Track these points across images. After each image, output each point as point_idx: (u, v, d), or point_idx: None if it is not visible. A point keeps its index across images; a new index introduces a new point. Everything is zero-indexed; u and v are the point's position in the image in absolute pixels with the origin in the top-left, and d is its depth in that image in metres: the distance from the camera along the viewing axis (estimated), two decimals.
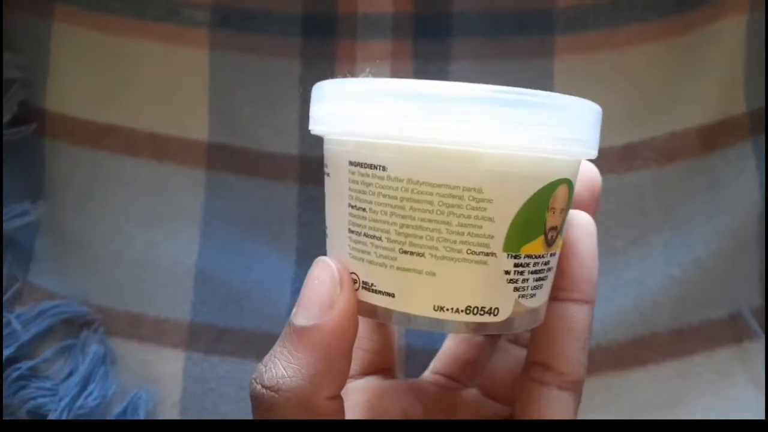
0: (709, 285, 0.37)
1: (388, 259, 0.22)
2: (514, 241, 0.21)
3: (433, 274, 0.21)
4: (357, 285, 0.23)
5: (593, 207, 0.26)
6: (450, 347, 0.31)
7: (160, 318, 0.38)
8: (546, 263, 0.23)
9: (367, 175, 0.22)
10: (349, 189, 0.22)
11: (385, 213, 0.21)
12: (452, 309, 0.22)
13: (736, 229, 0.37)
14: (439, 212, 0.21)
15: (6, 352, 0.36)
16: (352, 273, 0.23)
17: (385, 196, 0.21)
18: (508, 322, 0.22)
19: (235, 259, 0.39)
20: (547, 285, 0.23)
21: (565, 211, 0.23)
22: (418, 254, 0.21)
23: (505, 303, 0.22)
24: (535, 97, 0.21)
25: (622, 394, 0.37)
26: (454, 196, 0.21)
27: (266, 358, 0.23)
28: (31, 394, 0.36)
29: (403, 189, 0.21)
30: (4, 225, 0.38)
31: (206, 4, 0.39)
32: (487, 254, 0.21)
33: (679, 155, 0.38)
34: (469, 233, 0.21)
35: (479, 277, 0.21)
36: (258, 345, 0.38)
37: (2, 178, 0.37)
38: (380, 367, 0.30)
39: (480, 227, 0.21)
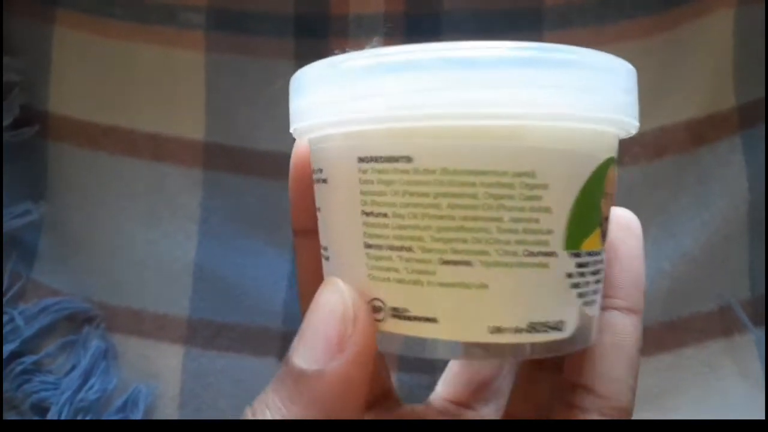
0: (699, 278, 0.38)
1: (425, 274, 0.17)
2: (575, 236, 0.18)
3: (484, 286, 0.17)
4: (382, 314, 0.18)
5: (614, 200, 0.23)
6: (457, 368, 0.26)
7: (160, 314, 0.39)
8: (602, 261, 0.19)
9: (386, 171, 0.17)
10: (361, 193, 0.18)
11: (415, 216, 0.17)
12: (512, 329, 0.17)
13: (725, 222, 0.38)
14: (486, 207, 0.17)
15: (10, 347, 0.37)
16: (374, 299, 0.18)
17: (413, 194, 0.17)
18: (574, 337, 0.18)
19: (233, 256, 0.40)
20: (602, 289, 0.20)
21: (612, 199, 0.19)
22: (464, 263, 0.17)
23: (569, 313, 0.18)
24: (582, 55, 0.17)
25: None
26: (503, 185, 0.17)
27: (256, 401, 0.18)
28: (34, 388, 0.37)
29: (436, 182, 0.17)
30: (8, 224, 0.39)
31: (201, 7, 0.40)
32: (547, 254, 0.17)
33: (668, 150, 0.38)
34: (524, 230, 0.17)
35: (540, 283, 0.17)
36: (255, 340, 0.39)
37: (2, 178, 0.39)
38: (379, 393, 0.25)
39: (537, 221, 0.17)
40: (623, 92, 0.18)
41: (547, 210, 0.17)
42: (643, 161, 0.38)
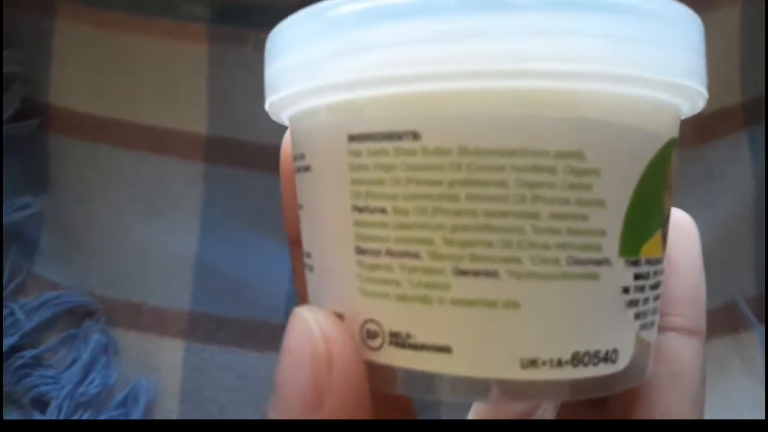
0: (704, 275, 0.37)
1: (436, 289, 0.13)
2: (634, 239, 0.14)
3: (515, 305, 0.13)
4: (379, 340, 0.14)
5: None
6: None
7: (161, 308, 0.39)
8: (662, 272, 0.15)
9: (385, 153, 0.13)
10: (352, 182, 0.14)
11: (424, 211, 0.13)
12: (551, 361, 0.13)
13: (731, 219, 0.37)
14: (518, 198, 0.13)
15: (10, 341, 0.37)
16: (368, 321, 0.14)
17: (420, 182, 0.13)
18: (628, 371, 0.14)
19: (234, 250, 0.40)
20: (660, 307, 0.16)
21: (673, 194, 0.16)
22: (488, 274, 0.13)
23: (624, 340, 0.14)
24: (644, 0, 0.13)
25: None
26: (540, 169, 0.13)
27: None
28: (35, 382, 0.37)
29: (452, 166, 0.13)
30: (8, 217, 0.39)
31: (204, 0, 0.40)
32: (599, 262, 0.13)
33: None
34: (569, 230, 0.13)
35: (589, 301, 0.13)
36: (257, 334, 0.39)
37: (2, 171, 0.38)
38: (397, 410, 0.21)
39: (585, 218, 0.13)
40: (693, 52, 0.14)
41: (599, 203, 0.13)
42: None
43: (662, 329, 0.17)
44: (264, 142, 0.39)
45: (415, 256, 0.13)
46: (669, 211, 0.15)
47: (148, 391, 0.38)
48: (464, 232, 0.13)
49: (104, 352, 0.38)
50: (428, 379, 0.14)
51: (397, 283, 0.14)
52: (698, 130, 0.38)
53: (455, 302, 0.13)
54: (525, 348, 0.13)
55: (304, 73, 0.14)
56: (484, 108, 0.13)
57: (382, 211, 0.14)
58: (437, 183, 0.13)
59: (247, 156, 0.40)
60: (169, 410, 0.38)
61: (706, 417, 0.36)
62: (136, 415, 0.37)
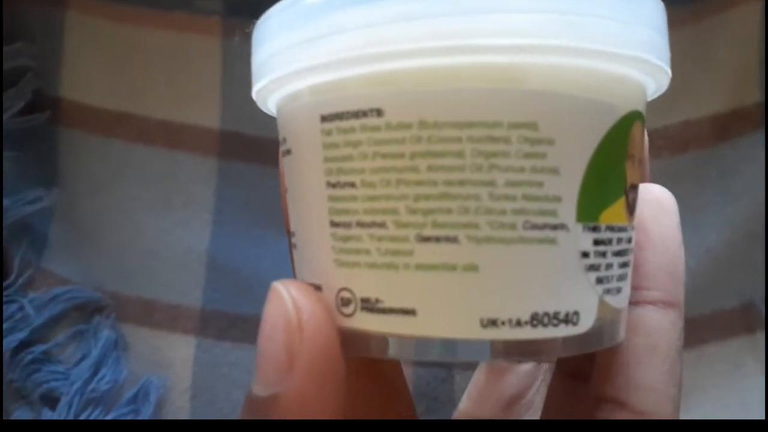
0: (721, 275, 0.37)
1: (401, 255, 0.14)
2: (592, 206, 0.14)
3: (474, 267, 0.14)
4: (352, 307, 0.15)
5: (645, 174, 0.20)
6: (484, 380, 0.23)
7: (172, 304, 0.39)
8: (629, 240, 0.16)
9: (353, 130, 0.14)
10: (325, 159, 0.15)
11: (389, 183, 0.14)
12: (510, 321, 0.14)
13: (748, 218, 0.37)
14: (474, 167, 0.14)
15: (19, 336, 0.36)
16: (342, 290, 0.15)
17: (385, 156, 0.14)
18: (592, 334, 0.15)
19: (247, 246, 0.39)
20: (630, 276, 0.16)
21: (642, 164, 0.16)
22: (449, 239, 0.14)
23: (586, 303, 0.14)
24: None
25: None
26: (495, 139, 0.13)
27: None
28: (44, 378, 0.36)
29: (413, 139, 0.14)
30: (18, 211, 0.38)
31: None
32: (555, 227, 0.14)
33: (691, 144, 0.38)
34: (524, 196, 0.14)
35: (547, 264, 0.14)
36: None
37: (2, 165, 0.38)
38: (398, 409, 0.22)
39: (540, 185, 0.14)
40: (652, 29, 0.15)
41: (553, 171, 0.14)
42: (666, 155, 0.38)
43: (640, 302, 0.17)
44: (277, 138, 0.39)
45: (382, 225, 0.14)
46: (636, 181, 0.16)
47: (158, 387, 0.37)
48: (426, 201, 0.14)
49: (114, 348, 0.38)
50: (397, 341, 0.14)
51: (367, 252, 0.14)
52: (717, 129, 0.38)
53: (419, 267, 0.14)
54: (484, 309, 0.14)
55: (279, 61, 0.15)
56: (441, 84, 0.14)
57: (352, 185, 0.14)
58: (400, 156, 0.14)
59: (260, 151, 0.39)
60: (180, 407, 0.38)
61: (722, 417, 0.36)
62: (147, 411, 0.37)
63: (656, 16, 0.15)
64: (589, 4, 0.14)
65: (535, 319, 0.14)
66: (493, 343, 0.14)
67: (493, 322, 0.14)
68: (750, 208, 0.37)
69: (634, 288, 0.17)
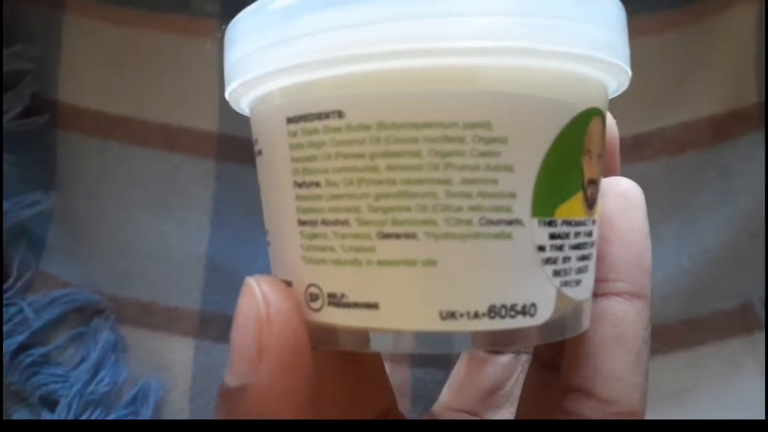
0: (719, 275, 0.37)
1: (364, 252, 0.15)
2: (547, 201, 0.15)
3: (432, 262, 0.14)
4: (319, 302, 0.15)
5: (614, 167, 0.20)
6: (464, 372, 0.24)
7: (171, 306, 0.39)
8: (589, 234, 0.16)
9: (317, 131, 0.15)
10: (292, 159, 0.15)
11: (350, 182, 0.15)
12: (468, 313, 0.14)
13: (746, 219, 0.37)
14: (431, 166, 0.14)
15: (18, 339, 0.36)
16: (310, 286, 0.16)
17: (347, 156, 0.15)
18: (551, 325, 0.15)
19: (245, 248, 0.39)
20: (592, 268, 0.17)
21: (602, 160, 0.17)
22: (408, 236, 0.14)
23: (543, 295, 0.15)
24: None
25: None
26: (450, 139, 0.14)
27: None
28: (43, 380, 0.36)
29: (372, 140, 0.14)
30: (17, 214, 0.38)
31: None
32: (511, 222, 0.14)
33: (689, 145, 0.38)
34: (480, 193, 0.14)
35: (503, 258, 0.15)
36: None
37: (2, 168, 0.38)
38: (378, 411, 0.22)
39: (495, 182, 0.14)
40: (608, 29, 0.15)
41: (507, 169, 0.14)
42: (664, 156, 0.38)
43: (606, 294, 0.17)
44: None
45: (345, 223, 0.15)
46: (595, 176, 0.16)
47: (157, 389, 0.38)
48: (386, 200, 0.14)
49: (113, 351, 0.38)
50: (361, 334, 0.15)
51: (332, 249, 0.15)
52: (715, 130, 0.38)
53: (381, 263, 0.15)
54: (443, 302, 0.14)
55: (249, 64, 0.16)
56: (398, 86, 0.14)
57: (317, 184, 0.15)
58: (361, 156, 0.14)
59: None
60: (179, 409, 0.38)
61: (719, 417, 0.36)
62: (146, 413, 0.37)
63: (613, 15, 0.16)
64: (545, 5, 0.14)
65: (493, 311, 0.15)
66: (452, 335, 0.15)
67: (452, 315, 0.14)
68: (749, 209, 0.37)
69: (601, 280, 0.17)
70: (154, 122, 0.40)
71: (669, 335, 0.37)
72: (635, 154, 0.38)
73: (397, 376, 0.37)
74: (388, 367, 0.32)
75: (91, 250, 0.39)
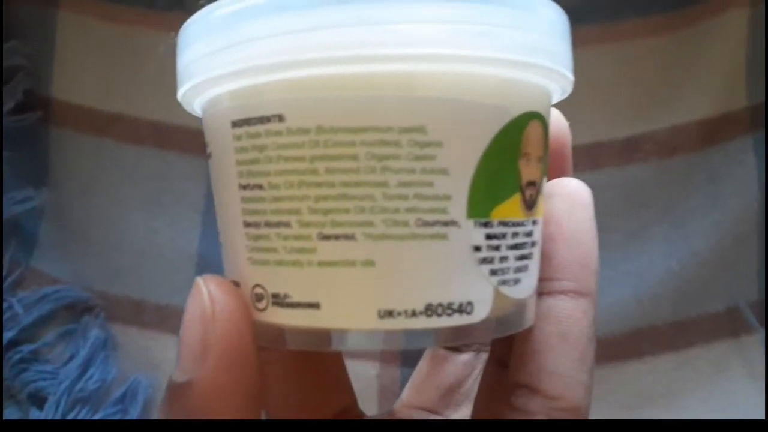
0: (708, 279, 0.37)
1: (304, 253, 0.15)
2: (482, 203, 0.15)
3: (371, 263, 0.15)
4: (264, 302, 0.16)
5: (564, 169, 0.20)
6: (426, 370, 0.24)
7: (161, 304, 0.39)
8: (528, 234, 0.16)
9: (259, 135, 0.15)
10: (237, 162, 0.16)
11: (292, 185, 0.15)
12: (406, 312, 0.15)
13: (735, 223, 0.38)
14: (368, 169, 0.14)
15: (8, 335, 0.36)
16: (256, 286, 0.16)
17: (288, 159, 0.15)
18: (489, 322, 0.16)
19: None
20: (534, 267, 0.17)
21: (542, 162, 0.17)
22: (346, 237, 0.15)
23: (480, 293, 0.15)
24: None
25: (619, 385, 0.37)
26: (386, 143, 0.14)
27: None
28: (32, 377, 0.36)
29: (311, 144, 0.15)
30: (8, 211, 0.38)
31: None
32: (446, 223, 0.15)
33: (679, 149, 0.38)
34: (416, 195, 0.15)
35: (439, 258, 0.15)
36: None
37: (2, 166, 0.38)
38: (337, 410, 0.22)
39: (430, 185, 0.15)
40: (544, 34, 0.16)
41: (442, 172, 0.15)
42: (655, 159, 0.38)
43: (552, 292, 0.18)
44: None
45: (287, 225, 0.15)
46: (534, 178, 0.16)
47: (146, 387, 0.38)
48: (325, 202, 0.15)
49: (103, 348, 0.38)
50: (304, 333, 0.15)
51: (275, 250, 0.15)
52: (704, 134, 0.38)
53: (321, 264, 0.15)
54: (381, 301, 0.15)
55: (197, 68, 0.16)
56: (336, 91, 0.15)
57: (260, 187, 0.15)
58: (301, 159, 0.15)
59: None
60: None
61: (708, 417, 0.36)
62: (135, 411, 0.37)
63: (551, 22, 0.16)
64: (479, 13, 0.14)
65: (430, 310, 0.15)
66: (390, 333, 0.15)
67: (389, 313, 0.15)
68: (738, 213, 0.38)
69: (547, 279, 0.18)
70: (146, 120, 0.40)
71: (658, 337, 0.37)
72: (626, 156, 0.38)
73: (387, 376, 0.37)
74: (377, 367, 0.33)
75: (82, 247, 0.39)
